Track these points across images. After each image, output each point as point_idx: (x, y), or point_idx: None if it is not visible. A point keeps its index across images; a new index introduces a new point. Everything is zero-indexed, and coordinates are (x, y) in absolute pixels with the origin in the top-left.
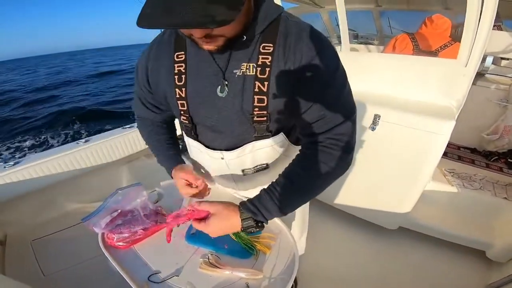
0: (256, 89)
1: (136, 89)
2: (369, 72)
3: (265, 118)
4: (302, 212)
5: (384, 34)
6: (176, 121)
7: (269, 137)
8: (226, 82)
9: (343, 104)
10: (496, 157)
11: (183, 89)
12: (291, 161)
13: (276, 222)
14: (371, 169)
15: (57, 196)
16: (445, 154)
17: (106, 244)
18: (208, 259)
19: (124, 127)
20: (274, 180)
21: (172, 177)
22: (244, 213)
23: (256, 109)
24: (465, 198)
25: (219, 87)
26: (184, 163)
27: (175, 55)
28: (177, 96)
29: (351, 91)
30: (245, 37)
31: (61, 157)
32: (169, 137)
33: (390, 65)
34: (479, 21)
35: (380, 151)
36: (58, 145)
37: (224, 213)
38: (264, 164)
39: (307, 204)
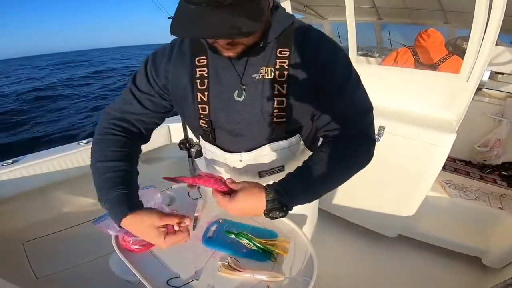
0: (276, 92)
1: (137, 82)
2: (375, 84)
3: (284, 120)
4: (311, 220)
5: (384, 47)
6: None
7: (286, 139)
8: (244, 87)
9: (360, 101)
10: (490, 170)
11: (206, 93)
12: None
13: (289, 225)
14: (373, 179)
15: (54, 197)
16: (442, 167)
17: (120, 247)
18: (228, 262)
19: None
20: (299, 166)
21: (120, 227)
22: (270, 193)
23: (276, 110)
24: (462, 207)
25: (237, 91)
26: (141, 205)
27: (196, 60)
28: (199, 100)
29: (365, 91)
30: (262, 43)
31: (62, 157)
32: (129, 166)
33: (395, 78)
34: (483, 38)
35: (382, 161)
36: None
37: (250, 190)
38: (280, 166)
39: (316, 212)
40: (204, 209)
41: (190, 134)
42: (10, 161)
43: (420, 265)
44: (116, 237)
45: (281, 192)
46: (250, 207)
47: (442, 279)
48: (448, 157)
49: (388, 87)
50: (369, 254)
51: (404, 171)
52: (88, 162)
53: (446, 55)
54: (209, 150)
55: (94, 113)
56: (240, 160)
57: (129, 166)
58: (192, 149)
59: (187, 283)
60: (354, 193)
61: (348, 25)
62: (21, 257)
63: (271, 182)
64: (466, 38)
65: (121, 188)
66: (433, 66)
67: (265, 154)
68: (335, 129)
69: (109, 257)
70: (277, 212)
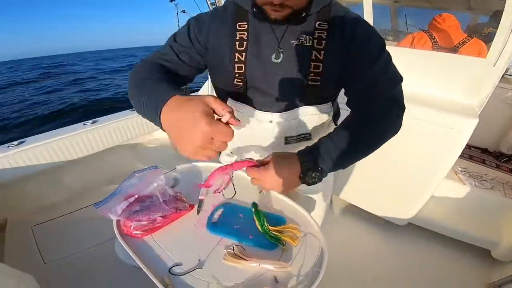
0: (313, 57)
1: (177, 37)
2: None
3: (318, 83)
4: (323, 202)
5: (399, 30)
6: None
7: (317, 104)
8: (281, 50)
9: (392, 72)
10: (506, 159)
11: (243, 53)
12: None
13: (299, 211)
14: (386, 164)
15: (61, 180)
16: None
17: (121, 232)
18: (233, 250)
19: (133, 109)
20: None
21: (160, 123)
22: (303, 155)
23: (311, 74)
24: (476, 197)
25: (274, 54)
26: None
27: (237, 25)
28: (236, 60)
29: (396, 67)
30: (304, 13)
31: (67, 138)
32: (171, 80)
33: (413, 60)
34: None
35: (397, 145)
36: None
37: (282, 156)
38: (307, 134)
39: (330, 194)
40: (209, 192)
41: None
42: (15, 142)
43: (428, 254)
44: (118, 222)
45: (314, 153)
46: (285, 172)
47: (449, 269)
48: None
49: (405, 69)
50: (377, 242)
51: (419, 157)
52: (94, 143)
53: (466, 38)
54: (239, 111)
55: None
56: (270, 121)
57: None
58: None
59: (189, 272)
60: (364, 178)
61: (364, 6)
62: (30, 242)
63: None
64: (488, 24)
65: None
66: (453, 49)
67: (295, 118)
68: (368, 97)
69: (115, 241)
70: (313, 174)
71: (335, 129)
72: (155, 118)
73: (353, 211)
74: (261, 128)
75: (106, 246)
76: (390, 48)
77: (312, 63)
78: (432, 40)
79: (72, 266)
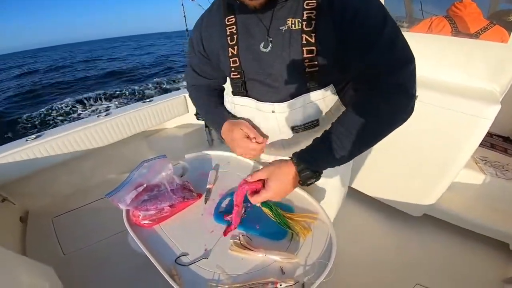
0: (304, 41)
1: (190, 59)
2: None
3: (316, 69)
4: (339, 193)
5: (414, 17)
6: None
7: (320, 89)
8: (270, 38)
9: (397, 51)
10: None
11: (235, 47)
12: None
13: (311, 202)
14: (402, 153)
15: (78, 171)
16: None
17: (131, 222)
18: (239, 240)
19: (144, 101)
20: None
21: (221, 136)
22: (299, 165)
23: (306, 60)
24: (496, 188)
25: (263, 43)
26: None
27: (225, 20)
28: (230, 54)
29: (407, 42)
30: None
31: (82, 130)
32: (221, 101)
33: (430, 46)
34: None
35: (413, 134)
36: None
37: (279, 171)
38: (314, 121)
39: (346, 185)
40: (216, 181)
41: None
42: (33, 136)
43: (444, 246)
44: (127, 211)
45: (309, 160)
46: (286, 185)
47: (465, 263)
48: None
49: (423, 55)
50: (392, 233)
51: (437, 146)
52: (108, 135)
53: (487, 24)
54: (241, 104)
55: None
56: (273, 112)
57: (223, 103)
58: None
59: (195, 262)
60: (379, 167)
61: None
62: (50, 233)
63: (302, 140)
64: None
65: (222, 110)
66: (474, 36)
67: (300, 107)
68: (369, 81)
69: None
70: (311, 179)
71: (332, 123)
72: (217, 132)
73: (367, 201)
74: (265, 119)
75: (121, 237)
76: (405, 34)
77: (304, 48)
78: (452, 25)
79: (90, 257)
